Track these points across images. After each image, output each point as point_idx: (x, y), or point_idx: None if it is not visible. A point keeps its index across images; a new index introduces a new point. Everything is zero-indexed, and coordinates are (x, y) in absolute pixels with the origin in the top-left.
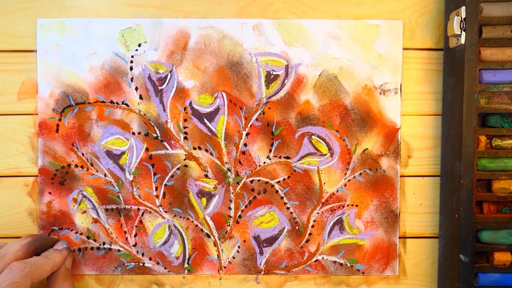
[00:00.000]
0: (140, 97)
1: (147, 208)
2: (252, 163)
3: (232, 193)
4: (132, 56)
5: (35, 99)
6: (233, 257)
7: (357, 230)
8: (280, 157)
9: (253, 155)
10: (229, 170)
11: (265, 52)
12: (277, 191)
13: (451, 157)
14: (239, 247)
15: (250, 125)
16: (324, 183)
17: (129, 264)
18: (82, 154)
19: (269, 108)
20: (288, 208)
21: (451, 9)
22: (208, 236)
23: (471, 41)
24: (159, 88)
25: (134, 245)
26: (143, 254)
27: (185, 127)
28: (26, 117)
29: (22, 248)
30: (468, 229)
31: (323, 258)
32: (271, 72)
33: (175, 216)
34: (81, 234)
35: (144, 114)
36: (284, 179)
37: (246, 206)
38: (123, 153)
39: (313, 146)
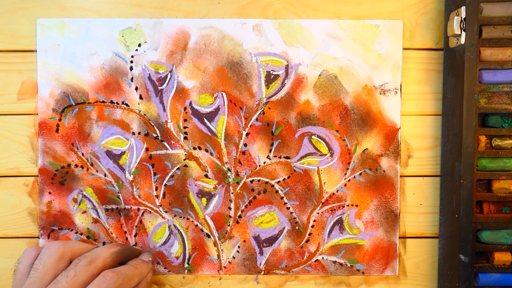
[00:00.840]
0: (140, 97)
1: (147, 208)
2: (252, 163)
3: (232, 193)
4: (132, 56)
5: (35, 99)
6: (233, 257)
7: (357, 230)
8: (280, 157)
9: (253, 155)
10: (229, 170)
11: (265, 52)
12: (277, 191)
13: (451, 157)
14: (239, 247)
15: (250, 125)
16: (324, 183)
17: None
18: (82, 154)
19: (269, 108)
20: (288, 208)
21: (451, 9)
22: (208, 236)
23: (471, 41)
24: (159, 88)
25: (134, 245)
26: None
27: (185, 127)
28: (26, 117)
29: (111, 255)
30: (468, 229)
31: (323, 258)
32: (271, 72)
33: (175, 216)
34: (81, 234)
35: (144, 114)
36: (284, 179)
37: (246, 206)
38: (123, 153)
39: (313, 146)
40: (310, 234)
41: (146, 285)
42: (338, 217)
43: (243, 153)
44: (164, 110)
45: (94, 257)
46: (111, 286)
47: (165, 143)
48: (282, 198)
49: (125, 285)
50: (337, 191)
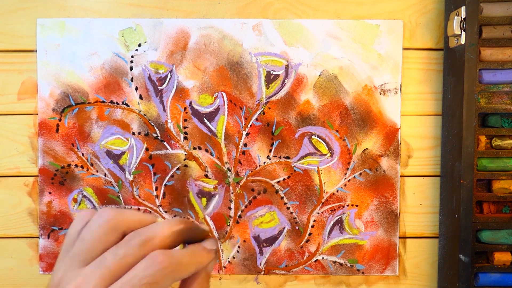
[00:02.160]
0: (140, 97)
1: (147, 208)
2: (252, 163)
3: (232, 193)
4: (132, 56)
5: (35, 99)
6: (233, 257)
7: (357, 230)
8: (280, 157)
9: (253, 155)
10: (229, 170)
11: (265, 52)
12: (277, 191)
13: (451, 157)
14: (239, 247)
15: (250, 125)
16: (324, 183)
17: None
18: (82, 154)
19: (269, 108)
20: (288, 208)
21: (451, 9)
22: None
23: (471, 41)
24: (159, 88)
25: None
26: None
27: (185, 127)
28: (26, 117)
29: (172, 235)
30: (468, 229)
31: (323, 258)
32: (271, 72)
33: (175, 216)
34: None
35: (144, 114)
36: (284, 179)
37: (246, 206)
38: (123, 153)
39: (313, 146)
40: (310, 234)
41: (205, 277)
42: (338, 217)
43: (243, 153)
44: (164, 110)
45: (150, 236)
46: (159, 272)
47: (165, 143)
48: (282, 198)
49: (176, 272)
50: (337, 191)
